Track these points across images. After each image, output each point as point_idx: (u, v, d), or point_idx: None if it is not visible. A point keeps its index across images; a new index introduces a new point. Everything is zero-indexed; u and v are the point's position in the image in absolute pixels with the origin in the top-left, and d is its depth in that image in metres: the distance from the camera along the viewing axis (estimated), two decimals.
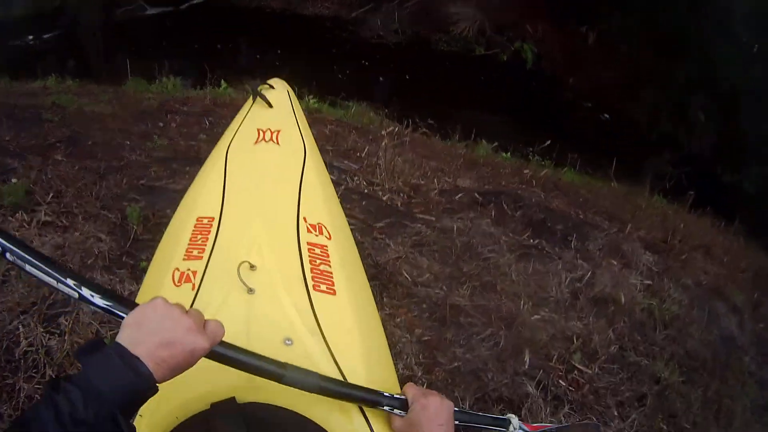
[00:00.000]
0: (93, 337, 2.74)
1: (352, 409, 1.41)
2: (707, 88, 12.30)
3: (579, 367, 3.56)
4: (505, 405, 3.18)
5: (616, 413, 3.48)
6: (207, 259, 1.63)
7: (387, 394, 1.40)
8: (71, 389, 0.88)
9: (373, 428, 1.40)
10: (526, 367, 3.39)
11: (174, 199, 4.02)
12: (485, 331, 3.52)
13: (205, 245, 1.68)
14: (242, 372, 1.26)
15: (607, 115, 12.51)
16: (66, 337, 2.72)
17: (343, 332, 1.55)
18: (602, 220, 5.54)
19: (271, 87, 2.56)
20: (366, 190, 4.79)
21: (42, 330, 2.73)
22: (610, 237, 5.04)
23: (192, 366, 1.05)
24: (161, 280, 1.62)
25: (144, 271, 3.25)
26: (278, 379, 1.28)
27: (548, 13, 13.72)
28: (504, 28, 13.80)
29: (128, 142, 4.87)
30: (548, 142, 6.96)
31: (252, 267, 1.58)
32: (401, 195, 4.82)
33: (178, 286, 1.57)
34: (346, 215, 4.23)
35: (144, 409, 1.15)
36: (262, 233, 1.73)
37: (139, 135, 5.07)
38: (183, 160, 4.67)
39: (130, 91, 6.75)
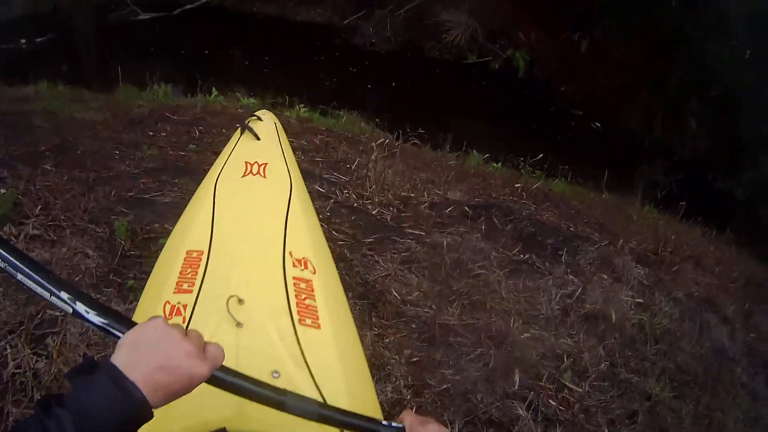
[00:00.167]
0: (81, 361, 2.73)
1: None
2: (699, 93, 12.33)
3: (569, 385, 3.54)
4: (495, 428, 3.16)
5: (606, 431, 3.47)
6: (197, 293, 1.66)
7: (385, 423, 1.39)
8: (62, 414, 0.86)
9: None
10: (516, 387, 3.37)
11: (162, 212, 4.01)
12: (475, 351, 3.49)
13: (195, 279, 1.71)
14: (232, 402, 1.24)
15: (598, 124, 12.53)
16: (53, 359, 2.69)
17: (328, 365, 1.59)
18: (593, 231, 5.53)
19: (259, 119, 2.62)
20: (355, 204, 4.77)
21: (29, 351, 2.70)
22: (600, 250, 5.03)
23: (190, 392, 1.00)
24: (153, 312, 1.62)
25: (131, 289, 3.24)
26: (279, 406, 1.23)
27: (541, 20, 13.75)
28: (496, 35, 13.83)
29: (118, 152, 4.84)
30: (540, 153, 6.94)
31: (240, 301, 1.61)
32: (391, 209, 4.80)
33: (169, 318, 1.58)
34: (336, 230, 4.26)
35: None
36: (250, 268, 1.78)
37: (129, 144, 5.05)
38: (172, 171, 4.64)
39: (121, 98, 6.72)
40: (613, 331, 4.10)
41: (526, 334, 3.71)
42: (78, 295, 1.11)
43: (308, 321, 1.67)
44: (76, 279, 3.23)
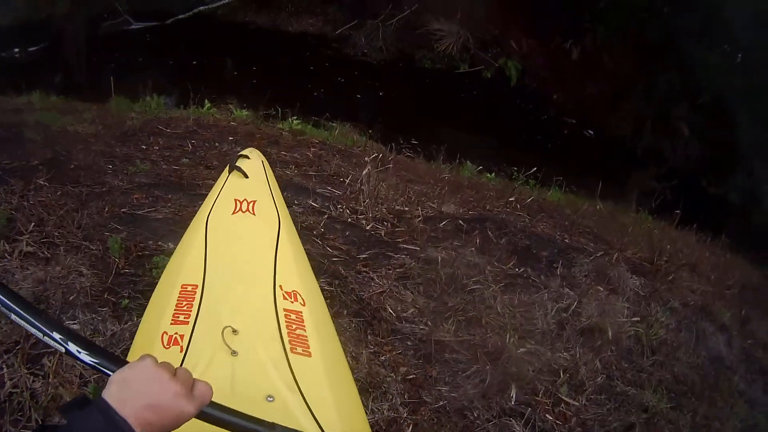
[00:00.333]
0: (78, 391, 2.73)
1: None
2: (691, 99, 12.37)
3: (566, 399, 3.54)
4: None
5: None
6: (193, 324, 1.75)
7: None
8: None
9: None
10: (513, 403, 3.36)
11: (155, 228, 4.00)
12: (471, 367, 3.49)
13: (191, 311, 1.80)
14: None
15: (591, 132, 12.56)
16: (50, 380, 2.68)
17: (319, 389, 1.67)
18: (588, 242, 5.55)
19: (247, 157, 2.72)
20: (349, 219, 4.77)
21: (26, 371, 2.69)
22: (596, 261, 5.04)
23: (178, 428, 1.04)
24: (151, 342, 1.72)
25: (126, 309, 3.24)
26: None
27: (532, 28, 13.79)
28: (488, 44, 13.87)
29: (111, 166, 4.84)
30: (533, 162, 6.96)
31: (234, 332, 1.71)
32: (385, 223, 4.79)
33: (167, 348, 1.67)
34: (330, 246, 4.26)
35: None
36: (243, 300, 1.92)
37: (122, 158, 5.05)
38: (165, 186, 4.63)
39: (113, 110, 6.72)
40: (609, 343, 4.10)
41: (522, 349, 3.70)
42: (70, 335, 1.15)
43: (299, 349, 1.75)
44: (71, 298, 3.22)
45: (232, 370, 1.60)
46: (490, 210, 5.70)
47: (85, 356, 1.14)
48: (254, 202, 2.35)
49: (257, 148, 5.62)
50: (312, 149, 6.18)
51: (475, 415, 3.26)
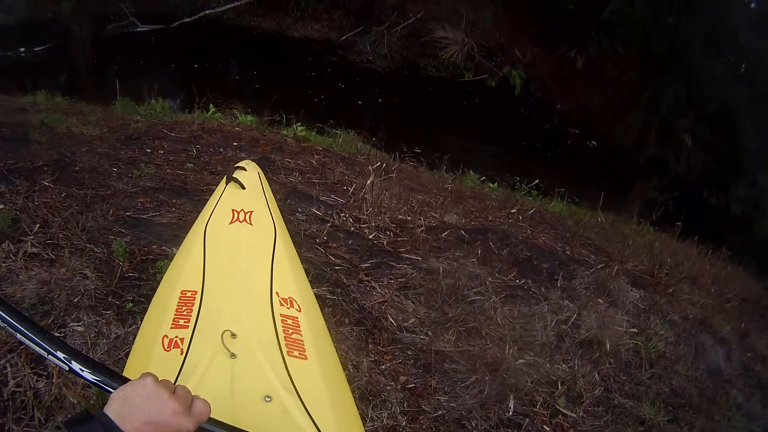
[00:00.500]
0: (81, 392, 2.75)
1: None
2: (695, 109, 12.38)
3: (564, 411, 3.56)
4: None
5: None
6: (192, 327, 1.78)
7: None
8: None
9: None
10: (511, 413, 3.38)
11: (160, 233, 4.01)
12: (470, 377, 3.51)
13: (190, 315, 1.84)
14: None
15: (594, 142, 12.57)
16: (54, 380, 2.67)
17: (315, 390, 1.71)
18: (589, 254, 5.57)
19: (243, 169, 2.78)
20: (352, 228, 4.78)
21: (29, 371, 2.69)
22: (596, 273, 5.07)
23: None
24: (152, 345, 1.76)
25: (130, 313, 3.24)
26: None
27: (537, 37, 13.82)
28: (493, 52, 13.90)
29: (115, 169, 4.85)
30: (536, 173, 7.00)
31: (233, 335, 1.75)
32: (388, 233, 4.82)
33: (167, 351, 1.71)
34: (333, 255, 4.28)
35: None
36: (241, 306, 1.92)
37: (127, 161, 5.07)
38: (170, 190, 4.65)
39: (118, 112, 6.76)
40: (608, 356, 4.13)
41: (521, 361, 3.73)
42: (72, 354, 1.20)
43: (296, 353, 1.80)
44: (75, 300, 3.22)
45: (231, 371, 1.64)
46: (492, 221, 5.73)
47: (87, 374, 1.19)
48: (251, 212, 2.43)
49: (262, 154, 5.71)
50: (316, 156, 6.21)
51: (473, 424, 3.27)
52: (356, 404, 2.05)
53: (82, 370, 1.19)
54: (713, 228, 9.24)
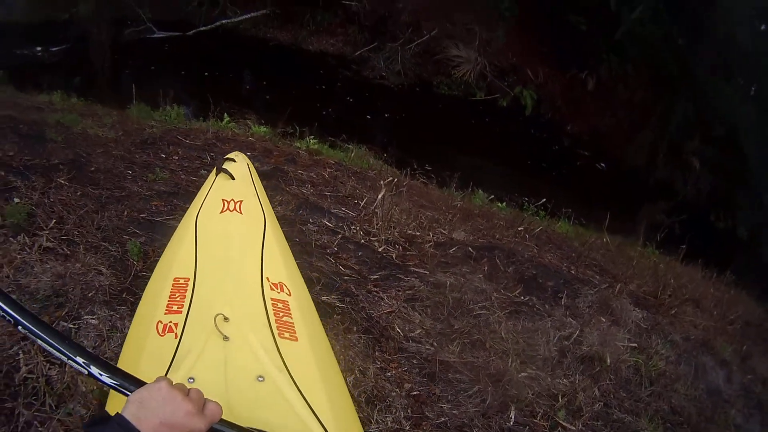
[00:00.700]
0: (94, 382, 2.79)
1: None
2: (704, 131, 12.38)
3: (563, 423, 3.62)
4: None
5: None
6: (186, 313, 1.84)
7: None
8: None
9: None
10: (511, 423, 3.45)
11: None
12: (473, 387, 3.58)
13: (184, 301, 1.90)
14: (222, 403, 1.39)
15: (603, 164, 12.59)
16: (66, 368, 2.71)
17: (307, 371, 1.77)
18: (593, 274, 5.63)
19: (233, 160, 2.85)
20: (362, 240, 4.86)
21: (42, 359, 2.72)
22: (600, 293, 5.14)
23: None
24: (147, 330, 1.82)
25: None
26: None
27: (549, 57, 13.88)
28: (505, 72, 13.95)
29: (130, 172, 4.89)
30: (544, 194, 7.07)
31: (226, 319, 1.81)
32: (397, 246, 4.89)
33: (162, 335, 1.77)
34: (343, 265, 4.37)
35: None
36: (233, 291, 2.00)
37: (141, 165, 5.10)
38: (184, 195, 4.67)
39: (133, 117, 6.79)
40: (608, 372, 4.19)
41: (523, 374, 3.80)
42: (92, 359, 1.28)
43: (287, 335, 1.86)
44: (90, 295, 3.26)
45: (225, 353, 1.69)
46: (500, 239, 5.80)
47: (105, 378, 1.27)
48: (241, 201, 2.49)
49: (275, 164, 5.79)
50: (328, 170, 6.27)
51: None
52: (351, 395, 2.15)
53: (101, 374, 1.26)
54: (719, 251, 9.26)
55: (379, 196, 5.21)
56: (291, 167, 5.98)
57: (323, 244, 4.60)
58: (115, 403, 1.47)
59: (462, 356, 3.82)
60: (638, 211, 10.11)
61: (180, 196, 4.65)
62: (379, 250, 4.79)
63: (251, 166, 2.88)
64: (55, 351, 1.26)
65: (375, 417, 3.15)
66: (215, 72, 12.77)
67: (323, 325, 2.45)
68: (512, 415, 3.49)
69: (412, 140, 11.56)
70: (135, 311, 2.25)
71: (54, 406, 2.55)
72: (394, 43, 14.26)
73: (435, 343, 3.88)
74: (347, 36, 15.01)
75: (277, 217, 4.66)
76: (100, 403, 2.56)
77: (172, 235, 2.45)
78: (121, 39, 12.92)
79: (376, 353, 3.67)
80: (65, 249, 3.56)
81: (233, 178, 2.68)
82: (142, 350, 1.76)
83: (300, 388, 1.65)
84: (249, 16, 14.55)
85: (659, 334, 4.97)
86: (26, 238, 3.50)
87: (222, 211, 2.42)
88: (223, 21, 14.24)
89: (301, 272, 3.13)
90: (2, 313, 1.26)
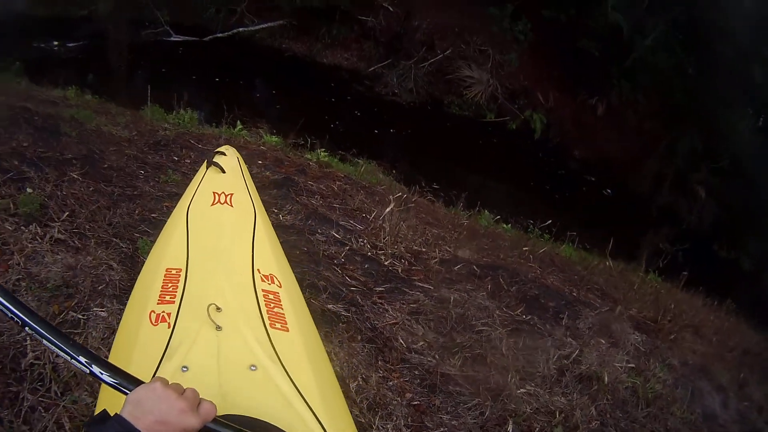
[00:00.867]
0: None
1: None
2: (711, 161, 12.40)
3: None
4: None
5: None
6: (179, 303, 1.86)
7: None
8: None
9: None
10: None
11: None
12: (472, 400, 3.65)
13: (176, 292, 1.92)
14: (216, 393, 1.46)
15: (609, 190, 12.64)
16: None
17: (298, 360, 1.80)
18: (595, 298, 5.70)
19: (223, 154, 2.87)
20: (369, 253, 4.93)
21: None
22: (601, 316, 5.21)
23: None
24: (139, 320, 1.84)
25: None
26: None
27: (560, 82, 13.94)
28: (516, 95, 14.02)
29: (142, 172, 4.95)
30: (549, 217, 7.13)
31: (218, 309, 1.83)
32: (403, 261, 4.97)
33: (155, 325, 1.79)
34: (349, 276, 4.45)
35: None
36: (225, 282, 2.01)
37: (154, 166, 5.16)
38: None
39: (147, 118, 6.84)
40: (606, 392, 4.24)
41: (522, 390, 3.87)
42: (93, 358, 1.34)
43: (278, 325, 1.88)
44: (100, 288, 3.30)
45: (218, 343, 1.71)
46: (504, 259, 5.88)
47: (106, 377, 1.32)
48: (231, 195, 2.51)
49: (285, 174, 5.86)
50: (337, 183, 6.32)
51: None
52: (353, 399, 2.20)
53: (102, 374, 1.31)
54: (720, 280, 9.29)
55: (387, 210, 5.29)
56: (301, 178, 6.03)
57: (331, 254, 4.66)
58: (104, 401, 1.52)
59: (463, 369, 3.89)
60: (642, 238, 10.10)
61: None
62: (386, 263, 4.86)
63: (241, 159, 2.91)
64: (59, 350, 1.32)
65: (376, 423, 3.21)
66: (229, 79, 12.84)
67: (326, 329, 2.52)
68: (510, 429, 3.55)
69: (421, 158, 11.65)
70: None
71: (59, 393, 2.60)
72: (408, 61, 14.34)
73: (437, 356, 3.95)
74: (362, 51, 15.08)
75: (285, 225, 4.78)
76: None
77: (163, 227, 2.49)
78: (137, 39, 12.99)
79: (379, 362, 3.73)
80: (76, 242, 3.60)
81: (224, 172, 2.71)
82: (136, 339, 1.78)
83: (291, 377, 1.68)
84: (266, 25, 14.66)
85: (657, 358, 5.02)
86: (38, 228, 3.55)
87: (213, 204, 2.45)
88: (240, 29, 14.34)
89: (308, 280, 3.18)
90: (10, 315, 1.32)
